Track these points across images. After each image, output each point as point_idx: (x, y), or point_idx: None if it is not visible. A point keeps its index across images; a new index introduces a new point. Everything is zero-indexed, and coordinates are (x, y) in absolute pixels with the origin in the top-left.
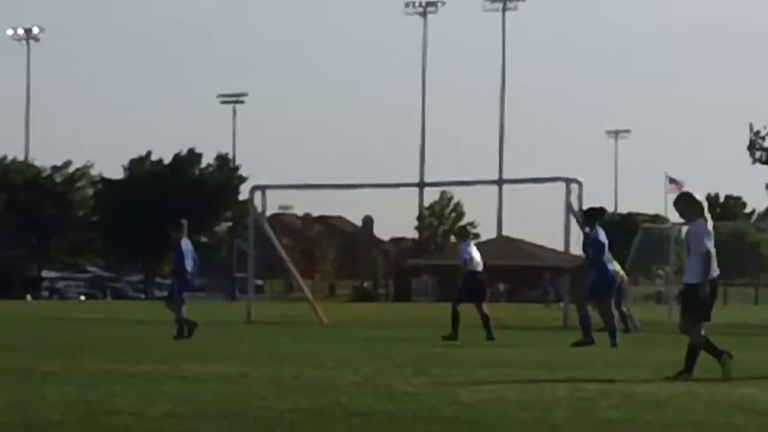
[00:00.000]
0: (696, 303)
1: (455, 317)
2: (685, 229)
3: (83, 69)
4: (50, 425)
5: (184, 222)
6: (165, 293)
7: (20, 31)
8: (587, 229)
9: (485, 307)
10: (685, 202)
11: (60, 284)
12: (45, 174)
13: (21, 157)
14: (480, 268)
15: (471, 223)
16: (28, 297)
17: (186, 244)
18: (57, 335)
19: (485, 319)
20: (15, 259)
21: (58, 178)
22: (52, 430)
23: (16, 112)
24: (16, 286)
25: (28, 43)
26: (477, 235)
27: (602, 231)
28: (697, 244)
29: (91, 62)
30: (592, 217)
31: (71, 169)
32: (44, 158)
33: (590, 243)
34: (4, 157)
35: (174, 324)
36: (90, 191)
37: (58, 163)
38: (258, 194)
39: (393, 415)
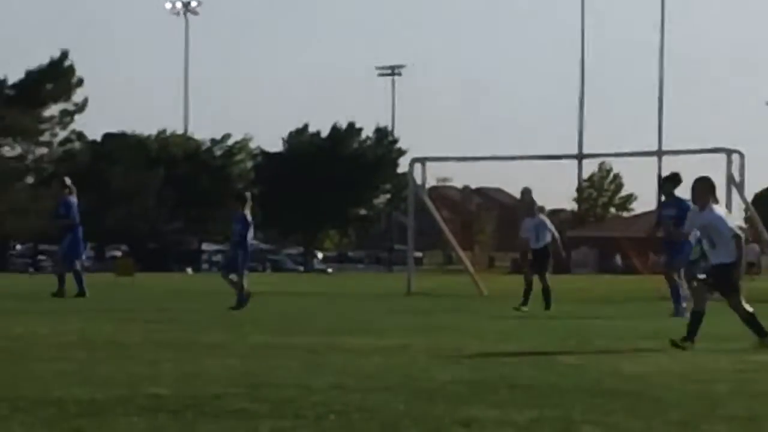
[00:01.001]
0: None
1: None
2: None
3: (241, 41)
4: (214, 398)
5: (248, 194)
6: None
7: (179, 5)
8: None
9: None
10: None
11: (219, 257)
12: (204, 147)
13: (180, 131)
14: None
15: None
16: (189, 270)
17: (248, 216)
18: (218, 308)
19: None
20: (175, 232)
21: (218, 152)
22: (216, 402)
23: (176, 86)
24: (176, 259)
25: (186, 16)
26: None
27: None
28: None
29: (248, 34)
30: (671, 183)
31: (230, 142)
32: (203, 131)
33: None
34: (164, 131)
35: (237, 295)
36: (249, 164)
37: (217, 137)
38: (417, 166)
39: (556, 386)
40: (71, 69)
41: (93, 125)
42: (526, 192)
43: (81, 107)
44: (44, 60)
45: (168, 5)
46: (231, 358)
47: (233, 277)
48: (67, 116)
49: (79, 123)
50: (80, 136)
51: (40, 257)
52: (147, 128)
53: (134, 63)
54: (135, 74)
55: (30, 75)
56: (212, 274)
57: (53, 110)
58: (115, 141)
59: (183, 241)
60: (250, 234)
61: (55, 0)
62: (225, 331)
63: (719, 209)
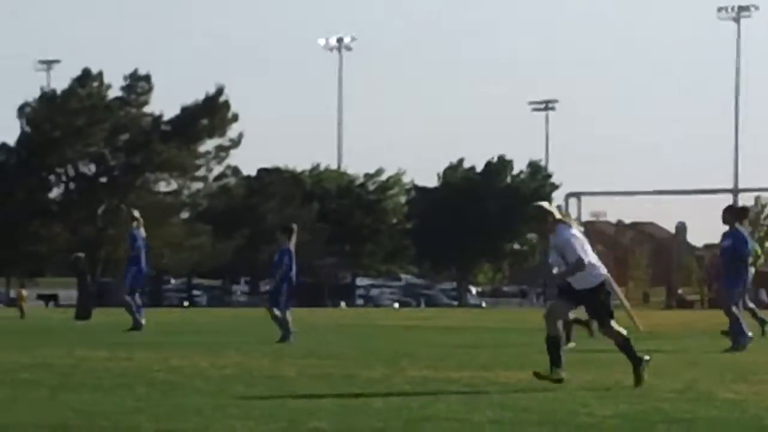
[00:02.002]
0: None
1: None
2: None
3: (394, 76)
4: (374, 431)
5: (294, 227)
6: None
7: (332, 41)
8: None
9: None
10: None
11: (374, 291)
12: (358, 182)
13: (334, 166)
14: None
15: None
16: (342, 304)
17: (292, 249)
18: (375, 343)
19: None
20: (328, 267)
21: (371, 186)
22: None
23: (329, 121)
24: (329, 293)
25: (340, 52)
26: None
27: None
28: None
29: (402, 69)
30: (734, 215)
31: (384, 176)
32: (357, 166)
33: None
34: (317, 165)
35: (279, 330)
36: (402, 199)
37: (371, 171)
38: (573, 201)
39: (716, 421)
40: (226, 104)
41: (248, 160)
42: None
43: (236, 142)
44: (200, 96)
45: (321, 41)
46: (390, 392)
47: (277, 312)
48: (222, 151)
49: (234, 158)
50: (235, 171)
51: (195, 292)
52: (301, 163)
53: (288, 98)
54: (289, 109)
55: (186, 111)
56: (367, 308)
57: (208, 145)
58: (269, 176)
59: (337, 276)
60: (294, 269)
61: (210, 36)
62: (382, 365)
63: (573, 230)
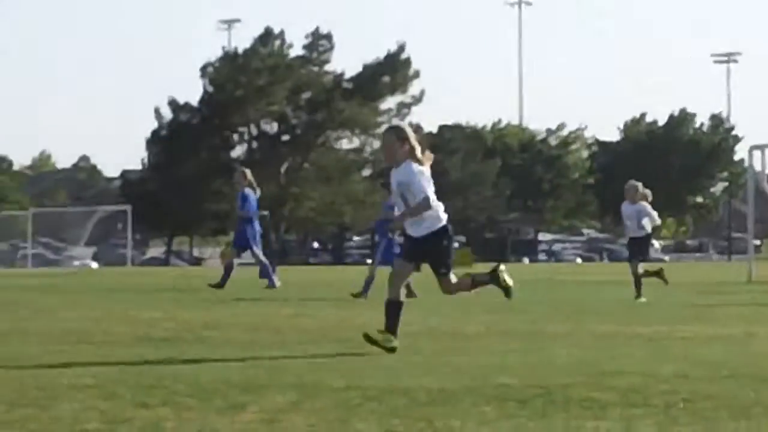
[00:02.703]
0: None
1: None
2: None
3: (575, 31)
4: (562, 387)
5: None
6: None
7: None
8: None
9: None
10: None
11: (556, 247)
12: (539, 137)
13: (515, 121)
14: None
15: None
16: (525, 260)
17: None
18: (558, 298)
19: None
20: (511, 222)
21: (553, 141)
22: (564, 391)
23: (511, 76)
24: (512, 249)
25: (520, 7)
26: None
27: None
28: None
29: (584, 24)
30: None
31: (565, 132)
32: (538, 122)
33: None
34: (499, 121)
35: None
36: (584, 154)
37: (552, 127)
38: (756, 154)
39: None
40: (408, 61)
41: (429, 117)
42: None
43: (418, 99)
44: (381, 53)
45: None
46: (576, 347)
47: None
48: (403, 108)
49: (416, 115)
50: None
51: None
52: (482, 119)
53: (469, 54)
54: (470, 65)
55: (367, 68)
56: (550, 264)
57: (390, 103)
58: (451, 132)
59: (519, 231)
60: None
61: None
62: (567, 320)
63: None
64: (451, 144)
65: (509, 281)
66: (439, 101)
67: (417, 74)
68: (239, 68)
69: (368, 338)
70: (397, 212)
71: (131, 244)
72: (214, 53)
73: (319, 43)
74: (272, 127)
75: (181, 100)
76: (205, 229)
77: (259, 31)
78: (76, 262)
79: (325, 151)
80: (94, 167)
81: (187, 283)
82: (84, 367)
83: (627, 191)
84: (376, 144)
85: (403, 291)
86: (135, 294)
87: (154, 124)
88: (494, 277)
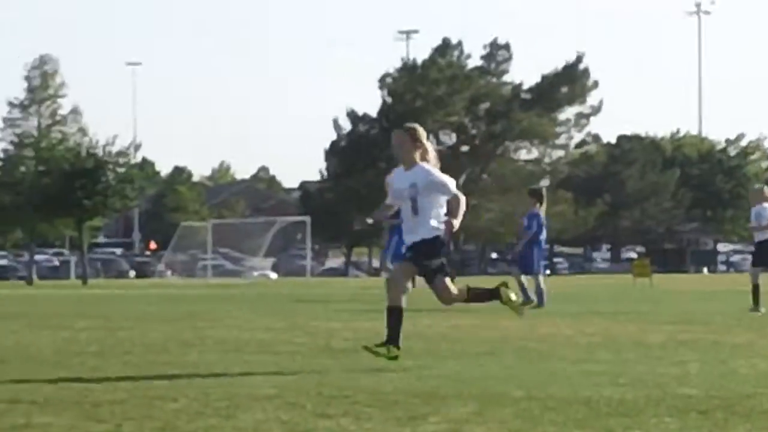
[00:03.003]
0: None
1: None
2: None
3: (757, 40)
4: (744, 398)
5: (543, 191)
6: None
7: (691, 6)
8: None
9: None
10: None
11: (736, 257)
12: (719, 147)
13: (694, 131)
14: None
15: None
16: (705, 270)
17: (541, 214)
18: (739, 308)
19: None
20: (690, 232)
21: (732, 151)
22: (746, 402)
23: (689, 86)
24: (691, 259)
25: (699, 17)
26: None
27: None
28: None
29: (762, 32)
30: None
31: (744, 141)
32: (717, 131)
33: None
34: (677, 131)
35: (534, 295)
36: (764, 164)
37: (732, 137)
38: None
39: None
40: (586, 72)
41: (608, 127)
42: None
43: (596, 110)
44: (559, 64)
45: (680, 6)
46: (758, 358)
47: (528, 278)
48: (582, 119)
49: (594, 125)
50: (595, 138)
51: (556, 259)
52: (661, 129)
53: (648, 64)
54: (648, 75)
55: (545, 79)
56: (729, 274)
57: (569, 113)
58: (629, 142)
59: (698, 242)
60: (545, 233)
61: (567, 3)
62: (748, 331)
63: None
64: (630, 154)
65: (513, 297)
66: (618, 111)
67: (595, 84)
68: (418, 79)
69: (368, 349)
70: (402, 212)
71: (310, 255)
72: (393, 64)
73: (498, 53)
74: (451, 138)
75: (360, 111)
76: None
77: (437, 41)
78: (256, 273)
79: (504, 162)
80: (273, 178)
81: (366, 293)
82: (265, 377)
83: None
84: (555, 154)
85: (404, 297)
86: (314, 304)
87: (333, 135)
88: (495, 294)
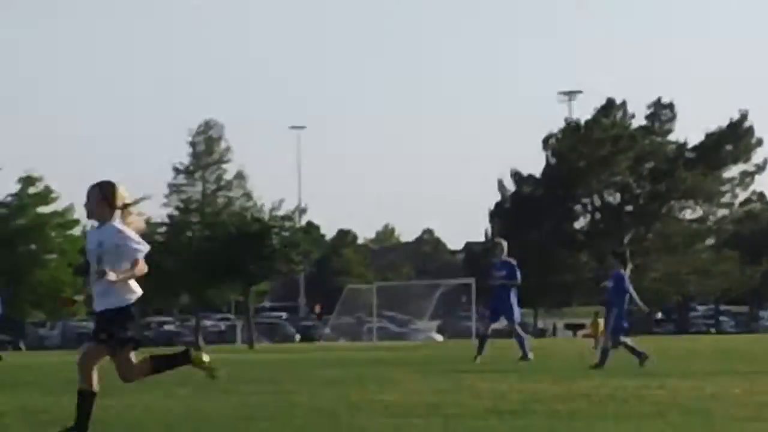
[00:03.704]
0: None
1: None
2: None
3: None
4: None
5: (627, 252)
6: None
7: None
8: None
9: None
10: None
11: None
12: None
13: None
14: None
15: None
16: None
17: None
18: None
19: None
20: None
21: None
22: None
23: None
24: None
25: None
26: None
27: None
28: None
29: None
30: None
31: None
32: None
33: None
34: None
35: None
36: None
37: None
38: None
39: None
40: (750, 130)
41: None
42: None
43: (760, 168)
44: (723, 122)
45: None
46: None
47: (626, 340)
48: (746, 177)
49: (759, 183)
50: (760, 196)
51: (722, 317)
52: None
53: None
54: None
55: (710, 137)
56: None
57: (733, 171)
58: None
59: None
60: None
61: (732, 62)
62: None
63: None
64: None
65: (206, 359)
66: None
67: (759, 142)
68: (581, 139)
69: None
70: (92, 278)
71: (476, 317)
72: (556, 124)
73: (661, 112)
74: (615, 198)
75: (524, 172)
76: (550, 301)
77: (600, 101)
78: (421, 335)
79: (668, 221)
80: (437, 240)
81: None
82: None
83: None
84: (720, 212)
85: (95, 379)
86: (481, 365)
87: (498, 196)
88: (185, 357)
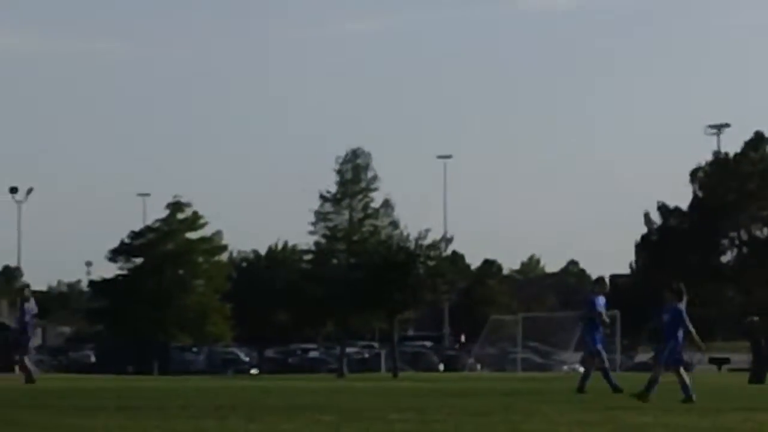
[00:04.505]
0: None
1: None
2: None
3: None
4: None
5: (683, 287)
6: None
7: None
8: None
9: None
10: None
11: None
12: None
13: None
14: None
15: None
16: None
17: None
18: None
19: None
20: None
21: None
22: None
23: None
24: None
25: None
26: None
27: None
28: None
29: None
30: None
31: None
32: None
33: None
34: None
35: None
36: None
37: None
38: None
39: None
40: None
41: None
42: None
43: None
44: None
45: None
46: None
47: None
48: None
49: None
50: None
51: None
52: None
53: None
54: None
55: None
56: None
57: None
58: None
59: None
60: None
61: None
62: None
63: None
64: None
65: None
66: None
67: None
68: (729, 172)
69: None
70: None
71: (619, 349)
72: (704, 158)
73: None
74: (763, 232)
75: (671, 205)
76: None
77: (749, 135)
78: (565, 367)
79: None
80: (582, 271)
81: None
82: None
83: None
84: None
85: None
86: (624, 398)
87: (644, 229)
88: None
